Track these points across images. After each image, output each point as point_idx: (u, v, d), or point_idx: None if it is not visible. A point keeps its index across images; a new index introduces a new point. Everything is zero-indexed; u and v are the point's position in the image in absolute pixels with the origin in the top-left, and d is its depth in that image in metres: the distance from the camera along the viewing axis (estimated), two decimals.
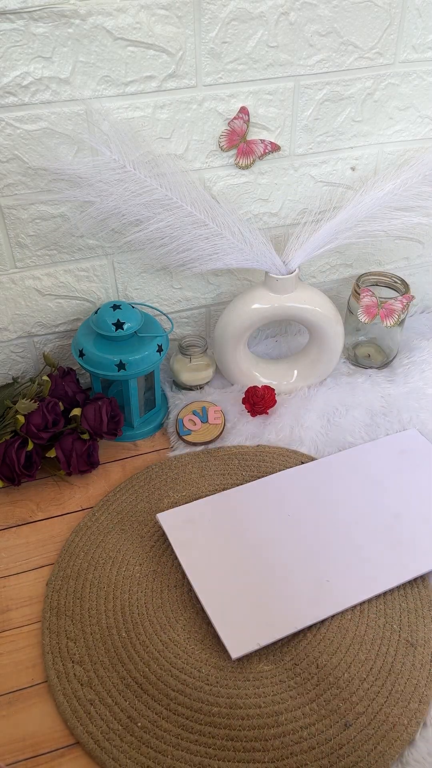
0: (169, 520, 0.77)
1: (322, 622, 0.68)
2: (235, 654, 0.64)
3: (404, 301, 0.93)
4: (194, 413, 0.91)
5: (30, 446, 0.80)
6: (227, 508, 0.79)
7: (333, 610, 0.69)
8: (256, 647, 0.65)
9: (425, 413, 0.92)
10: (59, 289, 0.88)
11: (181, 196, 0.80)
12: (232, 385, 0.97)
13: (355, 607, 0.70)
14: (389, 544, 0.75)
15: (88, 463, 0.84)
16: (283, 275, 0.86)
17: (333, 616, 0.69)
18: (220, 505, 0.79)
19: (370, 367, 1.01)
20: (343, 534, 0.76)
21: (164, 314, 0.94)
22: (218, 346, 0.93)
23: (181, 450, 0.89)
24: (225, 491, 0.81)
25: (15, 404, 0.82)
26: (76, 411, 0.84)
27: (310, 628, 0.68)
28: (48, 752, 0.60)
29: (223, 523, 0.77)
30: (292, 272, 0.87)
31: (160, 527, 0.77)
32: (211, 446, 0.89)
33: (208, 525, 0.77)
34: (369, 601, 0.70)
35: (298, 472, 0.83)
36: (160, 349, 0.86)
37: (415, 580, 0.72)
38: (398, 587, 0.71)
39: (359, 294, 0.94)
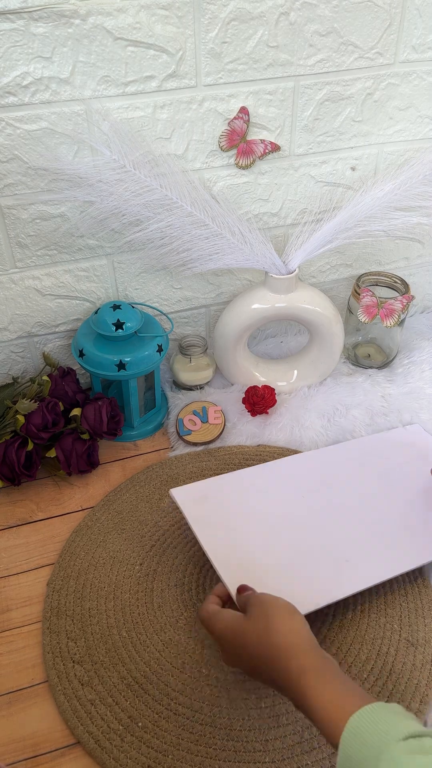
0: (183, 495, 0.75)
1: (323, 622, 0.68)
2: None
3: (404, 301, 0.93)
4: (194, 413, 0.91)
5: (30, 446, 0.80)
6: (239, 488, 0.78)
7: (355, 588, 0.67)
8: None
9: (425, 413, 0.92)
10: (59, 289, 0.88)
11: (181, 196, 0.80)
12: (232, 385, 0.97)
13: (356, 606, 0.70)
14: (404, 528, 0.74)
15: (88, 463, 0.84)
16: (283, 275, 0.86)
17: (334, 616, 0.69)
18: (232, 484, 0.78)
19: (370, 367, 1.01)
20: (358, 517, 0.75)
21: (164, 314, 0.94)
22: (218, 346, 0.93)
23: (181, 450, 0.89)
24: (235, 471, 0.80)
25: (15, 404, 0.82)
26: (76, 411, 0.84)
27: (310, 627, 0.68)
28: (48, 752, 0.60)
29: (237, 502, 0.76)
30: (292, 272, 0.87)
31: (161, 527, 0.77)
32: (211, 446, 0.89)
33: (223, 502, 0.75)
34: (369, 600, 0.70)
35: (305, 457, 0.83)
36: (160, 349, 0.86)
37: (416, 579, 0.72)
38: (398, 587, 0.71)
39: (359, 294, 0.94)
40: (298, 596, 0.64)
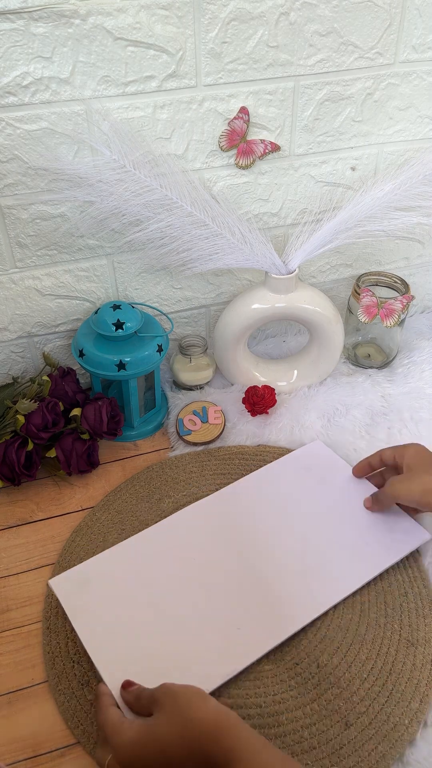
0: (62, 585, 0.69)
1: (322, 621, 0.68)
2: None
3: (404, 301, 0.93)
4: (194, 413, 0.91)
5: (30, 446, 0.80)
6: (125, 562, 0.72)
7: (247, 661, 0.63)
8: None
9: (425, 413, 0.92)
10: (59, 289, 0.88)
11: (181, 196, 0.80)
12: (232, 385, 0.97)
13: (356, 606, 0.70)
14: (300, 576, 0.70)
15: (88, 463, 0.84)
16: (283, 275, 0.86)
17: (334, 616, 0.69)
18: (117, 558, 0.72)
19: (370, 367, 1.01)
20: (252, 571, 0.71)
21: (164, 314, 0.94)
22: (218, 346, 0.93)
23: (182, 450, 0.89)
24: (125, 541, 0.74)
25: (15, 404, 0.82)
26: (76, 411, 0.84)
27: (310, 626, 0.68)
28: (48, 752, 0.60)
29: (121, 580, 0.70)
30: (292, 272, 0.87)
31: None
32: (211, 446, 0.89)
33: (107, 583, 0.69)
34: (369, 600, 0.70)
35: (198, 508, 0.78)
36: (160, 349, 0.86)
37: (415, 579, 0.72)
38: (398, 587, 0.71)
39: (359, 294, 0.94)
40: (186, 683, 0.58)
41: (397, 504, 0.76)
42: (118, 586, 0.69)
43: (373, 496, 0.77)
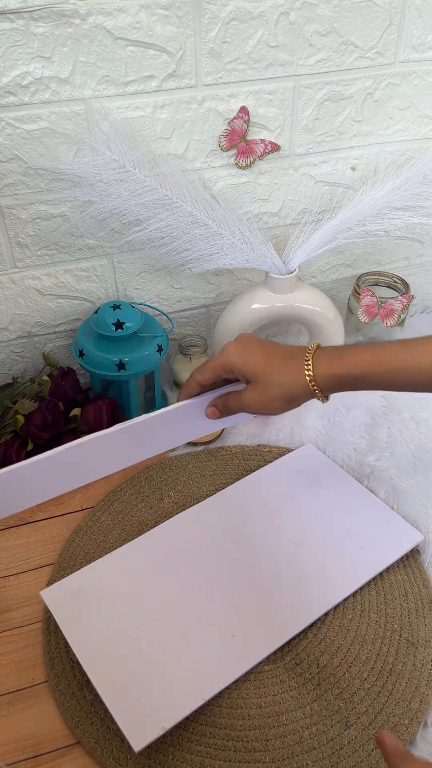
0: (53, 596, 0.69)
1: (323, 621, 0.68)
2: (137, 746, 0.57)
3: (404, 301, 0.93)
4: None
5: (30, 446, 0.80)
6: (119, 570, 0.71)
7: (241, 669, 0.63)
8: (160, 732, 0.58)
9: (425, 412, 0.92)
10: (59, 289, 0.88)
11: (181, 196, 0.80)
12: None
13: (356, 606, 0.70)
14: (293, 582, 0.70)
15: None
16: (283, 275, 0.86)
17: (334, 616, 0.69)
18: (112, 566, 0.72)
19: None
20: (245, 578, 0.70)
21: (164, 314, 0.94)
22: (218, 346, 0.93)
23: (182, 450, 0.89)
24: (117, 549, 0.74)
25: (15, 404, 0.82)
26: (76, 411, 0.84)
27: (310, 627, 0.68)
28: (48, 752, 0.60)
29: (114, 590, 0.69)
30: (292, 272, 0.87)
31: (161, 526, 0.77)
32: (211, 446, 0.89)
33: (100, 593, 0.69)
34: (369, 600, 0.70)
35: (192, 514, 0.78)
36: (160, 349, 0.86)
37: (415, 579, 0.72)
38: (398, 587, 0.71)
39: (359, 294, 0.94)
40: (180, 692, 0.61)
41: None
42: (111, 596, 0.69)
43: (220, 404, 0.65)
